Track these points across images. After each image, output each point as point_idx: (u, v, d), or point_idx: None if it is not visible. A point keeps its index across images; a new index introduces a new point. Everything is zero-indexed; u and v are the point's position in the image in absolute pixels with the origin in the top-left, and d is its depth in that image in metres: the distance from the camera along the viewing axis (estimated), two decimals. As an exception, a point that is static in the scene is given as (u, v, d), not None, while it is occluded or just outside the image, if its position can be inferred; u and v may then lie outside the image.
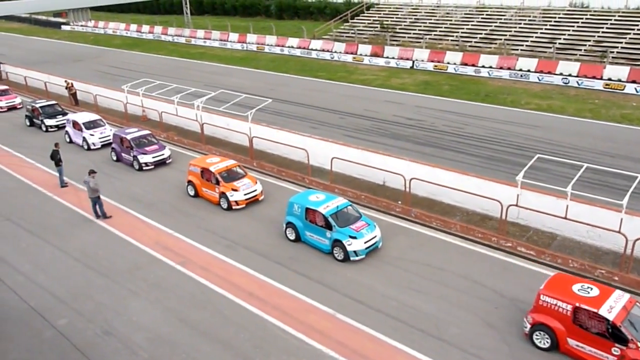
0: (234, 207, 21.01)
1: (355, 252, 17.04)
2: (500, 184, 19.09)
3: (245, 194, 21.16)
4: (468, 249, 17.82)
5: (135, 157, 25.43)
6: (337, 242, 17.22)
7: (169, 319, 15.02)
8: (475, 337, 13.87)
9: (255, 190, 21.47)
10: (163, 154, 25.85)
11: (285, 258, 17.67)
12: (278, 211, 20.88)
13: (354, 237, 17.06)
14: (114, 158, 26.75)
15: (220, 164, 22.03)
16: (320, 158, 23.68)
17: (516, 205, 18.07)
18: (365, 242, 17.20)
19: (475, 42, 45.82)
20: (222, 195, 21.18)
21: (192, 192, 22.38)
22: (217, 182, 21.31)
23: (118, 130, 27.95)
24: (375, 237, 17.56)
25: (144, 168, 25.34)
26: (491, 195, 18.46)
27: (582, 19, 43.69)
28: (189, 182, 22.43)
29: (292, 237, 18.52)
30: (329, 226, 17.37)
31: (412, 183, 19.93)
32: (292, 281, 16.40)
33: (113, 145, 26.92)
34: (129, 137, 25.79)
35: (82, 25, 77.17)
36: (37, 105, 32.64)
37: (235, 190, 21.05)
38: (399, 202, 20.48)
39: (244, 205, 21.12)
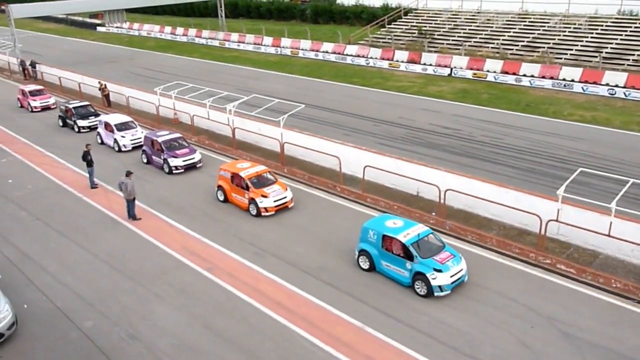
0: (263, 214, 21.08)
1: (440, 287, 15.59)
2: (540, 198, 18.73)
3: (274, 201, 21.21)
4: (504, 265, 17.53)
5: (165, 160, 25.81)
6: (419, 275, 15.79)
7: (194, 326, 15.14)
8: (509, 357, 13.59)
9: (285, 197, 21.52)
10: (193, 158, 26.17)
11: (314, 268, 17.65)
12: (308, 219, 20.94)
13: (439, 270, 15.64)
14: (145, 160, 27.21)
15: (251, 169, 22.18)
16: (352, 166, 23.65)
17: (556, 220, 17.71)
18: (451, 276, 15.75)
19: (516, 49, 45.24)
20: (252, 201, 21.28)
21: (221, 197, 22.56)
22: (247, 188, 21.42)
23: (149, 132, 28.45)
24: (461, 270, 16.13)
25: (174, 172, 25.69)
26: (530, 209, 18.14)
27: (630, 27, 42.74)
28: (219, 187, 22.62)
29: (366, 266, 17.21)
30: (409, 256, 16.05)
31: (448, 194, 19.72)
32: (320, 292, 16.37)
33: (144, 148, 27.38)
34: (159, 139, 26.20)
35: (117, 27, 78.98)
36: (70, 106, 33.47)
37: (265, 196, 21.13)
38: (433, 214, 20.28)
39: (273, 212, 21.18)
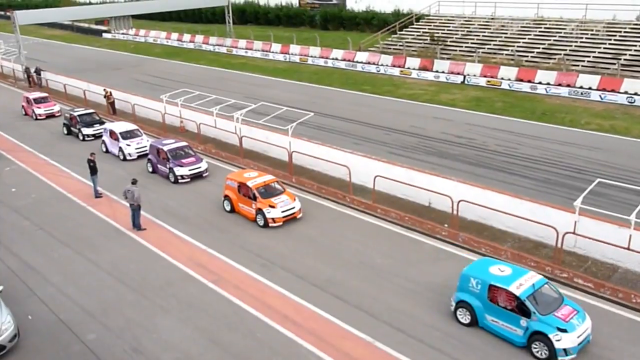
0: (270, 225, 21.08)
1: (565, 350, 13.46)
2: (557, 210, 18.63)
3: (282, 211, 21.20)
4: (519, 279, 17.39)
5: (171, 169, 25.93)
6: (538, 335, 13.72)
7: (200, 339, 15.14)
8: (525, 375, 13.46)
9: (293, 208, 21.51)
10: (200, 167, 26.27)
11: (323, 280, 17.62)
12: (317, 230, 20.94)
13: (564, 330, 13.54)
14: (150, 169, 27.35)
15: (258, 178, 22.19)
16: (362, 176, 23.64)
17: (573, 233, 17.60)
18: (578, 337, 13.67)
19: (532, 56, 45.16)
20: (259, 211, 21.28)
21: (228, 208, 22.59)
22: (254, 198, 21.42)
23: (155, 140, 28.62)
24: (587, 329, 14.06)
25: (180, 181, 25.79)
26: (546, 221, 18.03)
27: (650, 34, 42.59)
28: (226, 196, 22.66)
29: (467, 320, 15.11)
30: (524, 312, 14.01)
31: (461, 205, 19.66)
32: (329, 305, 16.32)
33: (149, 156, 27.55)
34: (165, 148, 26.34)
35: (123, 33, 79.69)
36: (75, 114, 33.74)
37: (273, 207, 21.12)
38: (446, 226, 20.22)
39: (281, 223, 21.18)
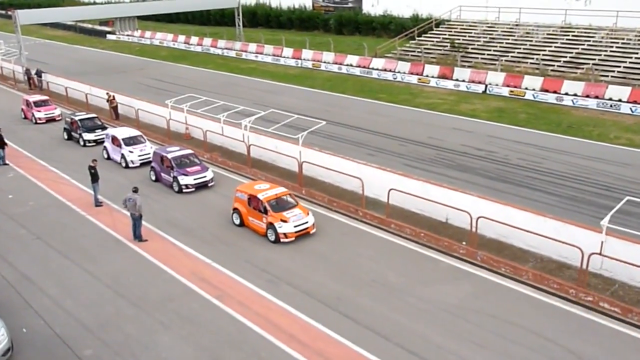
0: (282, 240, 21.08)
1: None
2: (582, 229, 18.56)
3: (295, 226, 21.10)
4: (541, 301, 17.34)
5: (175, 177, 26.13)
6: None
7: (201, 358, 15.19)
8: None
9: (306, 223, 21.46)
10: (205, 176, 26.45)
11: (332, 298, 17.65)
12: (327, 245, 20.99)
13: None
14: (153, 178, 27.58)
15: (270, 191, 22.11)
16: (376, 189, 23.70)
17: (600, 253, 17.52)
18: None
19: (558, 66, 45.15)
20: (270, 226, 21.20)
21: (237, 221, 22.56)
22: (265, 211, 21.32)
23: (159, 148, 28.86)
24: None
25: (184, 190, 25.98)
26: (571, 240, 17.96)
27: (685, 43, 42.46)
28: (235, 209, 22.64)
29: None
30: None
31: (480, 222, 19.64)
32: (337, 324, 16.34)
33: (152, 164, 27.78)
34: (169, 155, 26.55)
35: (128, 35, 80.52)
36: (76, 118, 34.10)
37: (285, 221, 21.06)
38: (464, 243, 20.20)
39: (293, 239, 21.20)
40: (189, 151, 27.70)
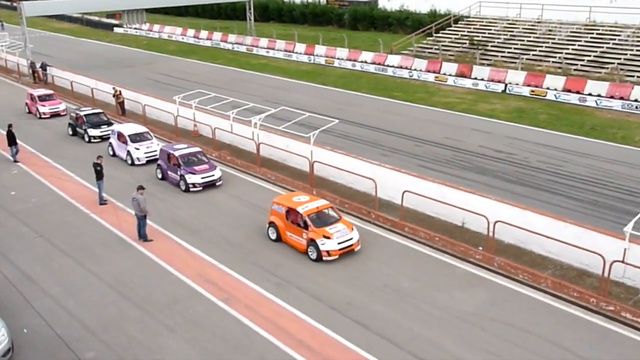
0: (324, 258, 19.82)
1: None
2: (604, 235, 18.46)
3: (339, 243, 19.89)
4: (560, 310, 17.26)
5: (182, 176, 26.24)
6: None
7: (206, 363, 15.27)
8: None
9: (351, 239, 20.22)
10: (213, 175, 26.54)
11: (343, 303, 17.66)
12: (337, 248, 20.97)
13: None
14: (159, 176, 27.71)
15: (310, 204, 20.92)
16: (389, 190, 23.68)
17: (622, 261, 17.40)
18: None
19: (581, 65, 44.89)
20: (311, 242, 19.99)
21: (273, 236, 21.48)
22: (306, 226, 20.19)
23: (165, 145, 28.99)
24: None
25: (191, 189, 26.08)
26: (592, 247, 17.84)
27: None
28: (271, 223, 21.52)
29: None
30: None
31: (497, 227, 19.56)
32: (348, 331, 16.34)
33: (159, 162, 27.92)
34: (177, 153, 26.66)
35: (135, 28, 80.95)
36: (82, 113, 34.31)
37: (328, 237, 19.81)
38: (480, 248, 20.14)
39: (337, 257, 19.96)
40: (197, 149, 27.79)
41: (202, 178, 26.21)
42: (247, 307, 17.54)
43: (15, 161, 30.24)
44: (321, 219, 20.61)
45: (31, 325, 16.82)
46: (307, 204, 20.95)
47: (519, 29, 53.16)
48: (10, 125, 30.37)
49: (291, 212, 20.88)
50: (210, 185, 26.45)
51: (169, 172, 27.15)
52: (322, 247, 19.76)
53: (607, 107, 38.45)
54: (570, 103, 39.89)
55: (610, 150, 30.54)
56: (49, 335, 16.37)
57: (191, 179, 26.05)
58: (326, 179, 26.58)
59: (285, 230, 21.11)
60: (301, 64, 57.82)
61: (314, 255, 19.99)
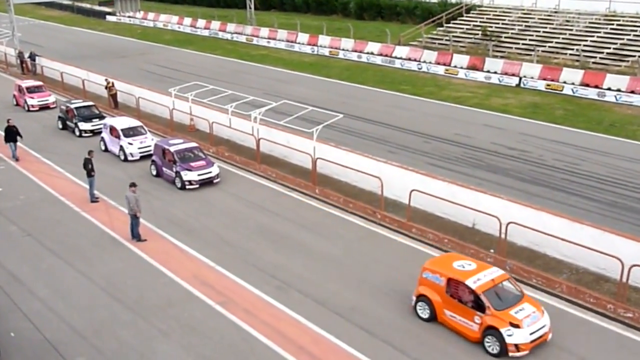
0: (511, 355, 15.27)
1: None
2: (623, 238, 18.45)
3: (530, 333, 15.41)
4: (576, 317, 17.28)
5: (178, 173, 26.28)
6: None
7: (202, 369, 15.33)
8: None
9: (544, 326, 15.77)
10: (211, 172, 26.57)
11: (346, 308, 17.69)
12: (341, 250, 21.04)
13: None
14: (154, 173, 27.77)
15: (482, 274, 16.23)
16: (396, 189, 23.71)
17: (642, 266, 17.44)
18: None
19: (600, 58, 44.82)
20: (490, 331, 15.49)
21: (425, 314, 16.99)
22: (480, 308, 15.77)
23: (160, 140, 29.06)
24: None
25: (187, 187, 26.13)
26: (610, 251, 17.84)
27: None
28: (421, 296, 17.06)
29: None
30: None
31: (510, 228, 19.58)
32: (352, 337, 16.37)
33: (153, 158, 27.97)
34: (172, 149, 26.70)
35: (129, 17, 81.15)
36: (72, 106, 34.38)
37: (516, 325, 15.29)
38: (492, 251, 20.17)
39: (526, 352, 15.37)
40: (194, 144, 27.86)
41: (199, 175, 26.22)
42: (246, 311, 17.58)
43: (17, 159, 29.76)
44: (502, 297, 16.19)
45: (18, 328, 16.88)
46: (477, 274, 16.29)
47: (535, 19, 53.08)
48: (9, 121, 29.99)
49: (455, 285, 16.51)
50: (207, 183, 26.47)
51: (164, 169, 27.17)
52: (508, 339, 15.21)
53: (627, 102, 38.39)
54: (588, 98, 39.85)
55: (630, 148, 30.52)
56: (37, 340, 16.42)
57: (187, 175, 26.05)
58: (329, 177, 26.61)
59: (443, 308, 16.64)
60: (304, 55, 57.81)
61: (495, 349, 15.48)
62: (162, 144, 27.54)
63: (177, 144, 27.32)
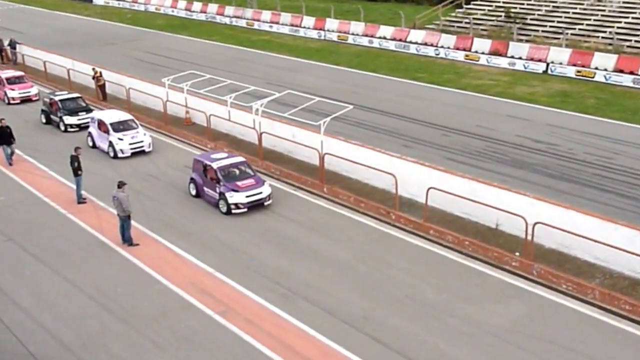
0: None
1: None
2: (661, 239, 18.45)
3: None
4: (609, 325, 17.26)
5: (222, 194, 23.86)
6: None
7: (201, 385, 15.40)
8: None
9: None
10: (261, 192, 24.12)
11: (357, 317, 17.73)
12: (352, 253, 21.06)
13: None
14: (193, 193, 25.54)
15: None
16: (412, 187, 23.72)
17: (683, 269, 17.41)
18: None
19: (635, 41, 44.67)
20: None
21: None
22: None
23: (201, 154, 27.19)
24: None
25: (234, 211, 23.73)
26: (647, 253, 17.88)
27: None
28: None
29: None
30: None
31: (537, 229, 19.57)
32: (364, 349, 16.40)
33: (192, 175, 25.67)
34: (215, 165, 24.39)
35: (118, 0, 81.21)
36: (56, 98, 34.42)
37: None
38: (517, 254, 20.16)
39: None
40: (240, 159, 25.75)
41: (247, 197, 23.85)
42: (248, 321, 17.63)
43: (10, 164, 29.02)
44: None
45: (0, 341, 16.96)
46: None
47: (563, -1, 52.97)
48: (2, 120, 28.96)
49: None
50: (257, 205, 24.13)
51: (205, 188, 24.90)
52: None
53: (666, 90, 38.33)
54: (623, 85, 39.74)
55: (670, 141, 30.47)
56: (21, 353, 16.49)
57: (233, 198, 23.74)
58: (339, 174, 26.64)
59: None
60: (310, 40, 57.84)
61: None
62: (203, 159, 25.26)
63: (220, 159, 25.02)
